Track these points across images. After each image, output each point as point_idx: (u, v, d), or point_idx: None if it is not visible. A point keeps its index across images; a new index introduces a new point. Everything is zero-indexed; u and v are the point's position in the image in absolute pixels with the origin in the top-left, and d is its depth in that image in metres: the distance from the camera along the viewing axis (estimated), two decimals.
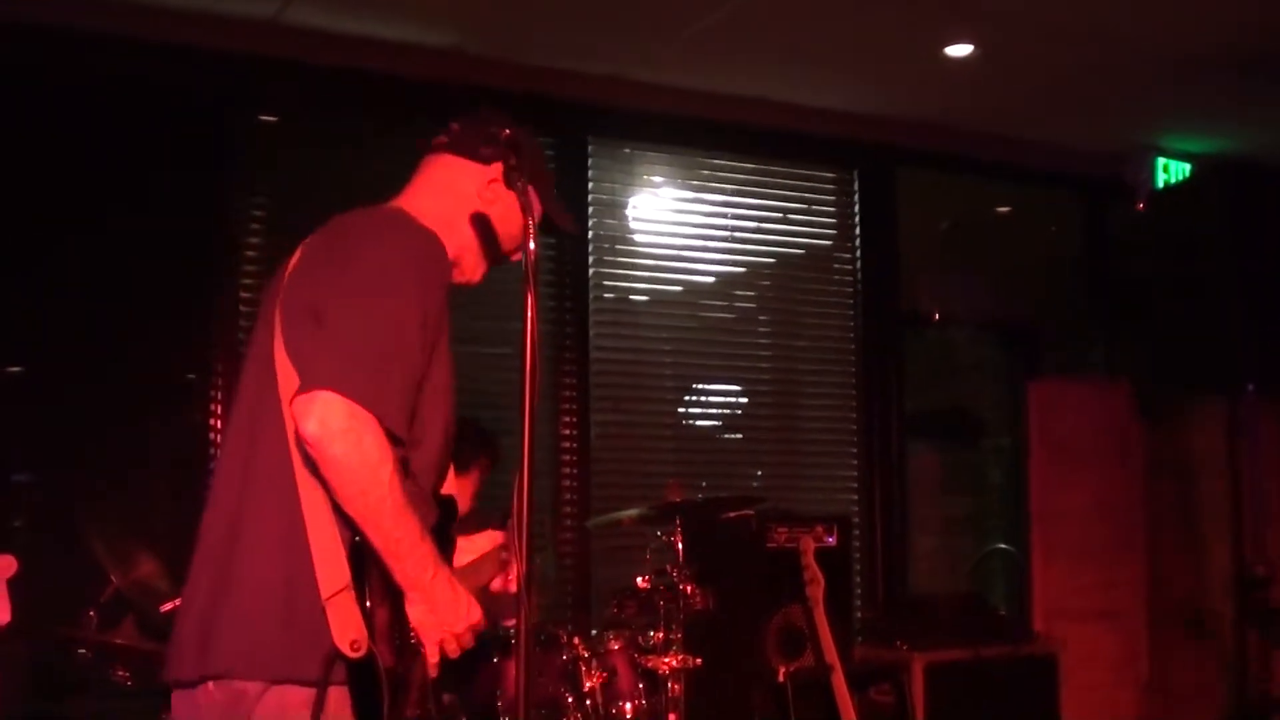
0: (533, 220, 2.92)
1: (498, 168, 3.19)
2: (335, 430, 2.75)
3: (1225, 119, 7.85)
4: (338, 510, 2.84)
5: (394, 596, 2.91)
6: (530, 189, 3.06)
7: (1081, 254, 8.76)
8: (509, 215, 3.26)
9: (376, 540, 2.82)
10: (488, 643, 4.80)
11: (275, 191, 6.52)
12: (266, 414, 2.96)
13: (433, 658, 2.98)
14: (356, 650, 2.78)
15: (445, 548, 3.10)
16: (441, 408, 3.09)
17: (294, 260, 3.13)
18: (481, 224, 3.27)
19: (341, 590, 2.81)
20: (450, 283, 3.14)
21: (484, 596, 3.20)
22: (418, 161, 3.33)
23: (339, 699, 2.83)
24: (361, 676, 2.82)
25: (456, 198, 3.25)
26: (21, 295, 5.90)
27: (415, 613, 2.93)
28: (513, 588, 3.33)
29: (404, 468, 2.90)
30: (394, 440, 2.84)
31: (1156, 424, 8.07)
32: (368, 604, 2.83)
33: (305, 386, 2.78)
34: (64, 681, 5.60)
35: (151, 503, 6.04)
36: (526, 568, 2.84)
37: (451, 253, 3.17)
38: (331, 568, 2.83)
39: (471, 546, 3.45)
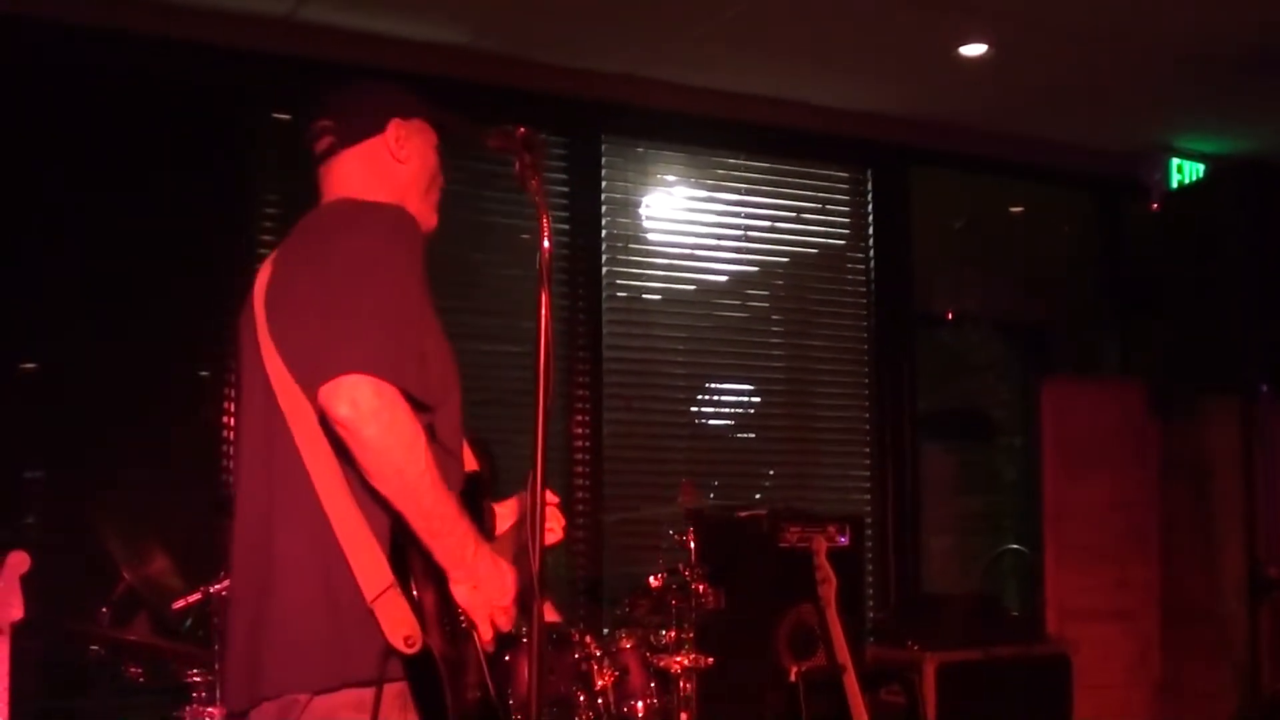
0: (546, 216, 2.93)
1: (395, 126, 3.25)
2: (366, 411, 2.75)
3: (1240, 119, 7.83)
4: (368, 507, 2.85)
5: (438, 580, 2.90)
6: (424, 124, 3.29)
7: (1095, 253, 8.75)
8: (421, 152, 3.31)
9: (415, 519, 2.82)
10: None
11: (288, 189, 6.52)
12: (276, 436, 2.96)
13: (486, 635, 2.97)
14: (411, 645, 2.78)
15: (481, 522, 3.10)
16: (449, 368, 3.10)
17: (262, 283, 3.13)
18: (411, 177, 3.28)
19: (387, 589, 2.81)
20: (423, 237, 3.14)
21: (525, 559, 3.19)
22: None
23: (396, 696, 2.83)
24: (419, 669, 2.82)
25: (381, 176, 3.25)
26: (34, 292, 5.91)
27: (461, 592, 2.92)
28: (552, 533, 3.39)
29: (431, 434, 2.91)
30: (418, 407, 2.85)
31: (1170, 423, 8.06)
32: (415, 594, 2.83)
33: (328, 375, 2.78)
34: (76, 677, 5.62)
35: (164, 499, 6.05)
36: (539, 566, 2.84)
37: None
38: (371, 569, 2.83)
39: (508, 511, 3.48)
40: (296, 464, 2.91)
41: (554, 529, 3.62)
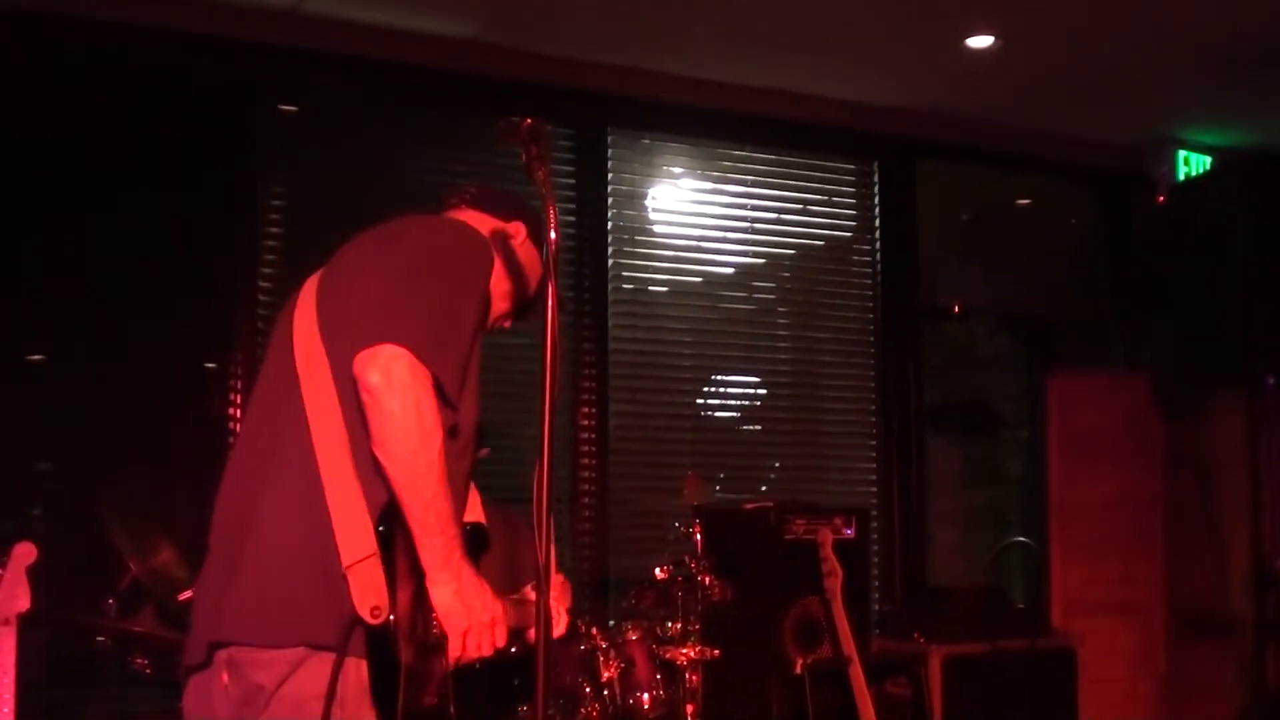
0: (553, 207, 2.93)
1: (519, 227, 3.34)
2: (398, 384, 2.76)
3: (1246, 111, 7.82)
4: (369, 482, 2.85)
5: (417, 583, 2.89)
6: (538, 257, 3.36)
7: (1101, 246, 8.74)
8: (526, 262, 3.38)
9: (411, 505, 2.82)
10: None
11: (295, 181, 6.53)
12: (284, 402, 2.96)
13: (454, 652, 2.95)
14: (376, 616, 2.76)
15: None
16: (473, 401, 3.11)
17: (317, 278, 3.14)
18: (512, 267, 3.34)
19: (367, 558, 2.80)
20: (489, 290, 3.17)
21: (515, 610, 3.19)
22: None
23: (357, 671, 2.82)
24: (380, 653, 2.80)
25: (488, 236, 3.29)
26: (40, 285, 5.91)
27: (441, 595, 2.91)
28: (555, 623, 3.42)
29: (452, 433, 2.91)
30: (446, 402, 2.86)
31: (1176, 417, 8.05)
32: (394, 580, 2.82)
33: (371, 340, 2.79)
34: (83, 669, 5.63)
35: (170, 491, 6.05)
36: (546, 559, 2.83)
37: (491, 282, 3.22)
38: (355, 535, 2.82)
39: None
40: (301, 425, 2.91)
41: (556, 617, 3.58)
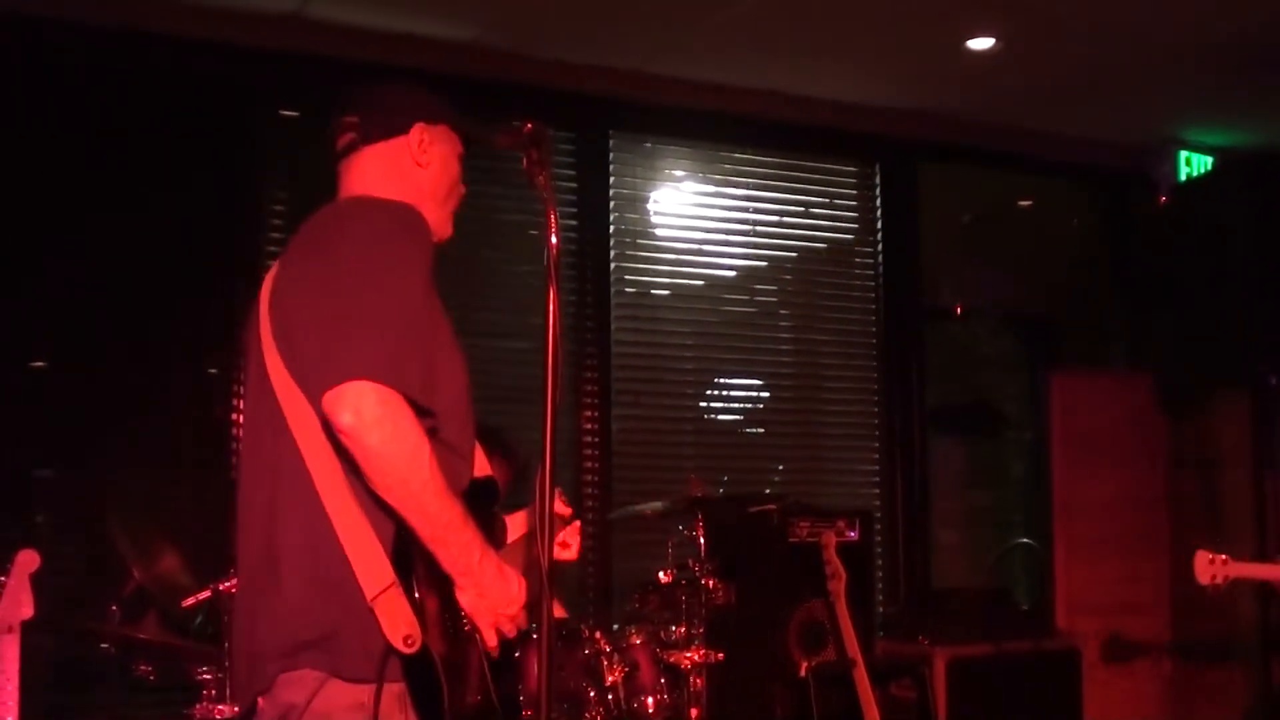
0: (554, 211, 2.92)
1: (419, 129, 3.23)
2: (369, 420, 2.73)
3: (1247, 112, 7.82)
4: (371, 509, 2.84)
5: (442, 584, 2.90)
6: (449, 131, 3.29)
7: (1103, 247, 8.73)
8: (444, 159, 3.30)
9: (421, 527, 2.82)
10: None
11: (296, 186, 6.53)
12: (279, 436, 2.94)
13: (490, 641, 2.98)
14: (410, 645, 2.77)
15: (490, 529, 3.09)
16: (457, 369, 3.08)
17: (268, 284, 3.11)
18: (430, 182, 3.27)
19: (388, 588, 2.80)
20: (434, 243, 3.12)
21: (534, 572, 3.19)
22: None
23: (396, 697, 2.83)
24: (418, 671, 2.81)
25: (400, 177, 3.22)
26: (42, 290, 5.91)
27: (465, 599, 2.92)
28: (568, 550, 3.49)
29: (434, 435, 2.89)
30: (421, 412, 2.83)
31: (1179, 417, 8.05)
32: (416, 596, 2.82)
33: (331, 382, 2.76)
34: (86, 675, 5.63)
35: (174, 497, 6.06)
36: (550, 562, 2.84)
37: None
38: (372, 568, 2.82)
39: (518, 522, 3.48)
40: (299, 464, 2.90)
41: (570, 544, 3.63)
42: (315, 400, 2.82)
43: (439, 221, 3.25)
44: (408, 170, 3.23)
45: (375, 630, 2.79)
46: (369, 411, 2.74)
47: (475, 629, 2.96)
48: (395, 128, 3.24)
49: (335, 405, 2.75)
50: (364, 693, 2.81)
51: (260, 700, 2.91)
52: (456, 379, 3.07)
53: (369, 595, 2.79)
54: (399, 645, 2.77)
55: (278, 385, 2.95)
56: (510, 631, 3.01)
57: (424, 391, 2.85)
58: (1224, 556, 4.96)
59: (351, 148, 3.25)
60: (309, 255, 3.04)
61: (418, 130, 3.24)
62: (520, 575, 3.02)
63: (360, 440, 2.75)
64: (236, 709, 3.07)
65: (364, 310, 2.84)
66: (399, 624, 2.78)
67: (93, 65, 6.10)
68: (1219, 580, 4.95)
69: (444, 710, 2.81)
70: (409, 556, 2.85)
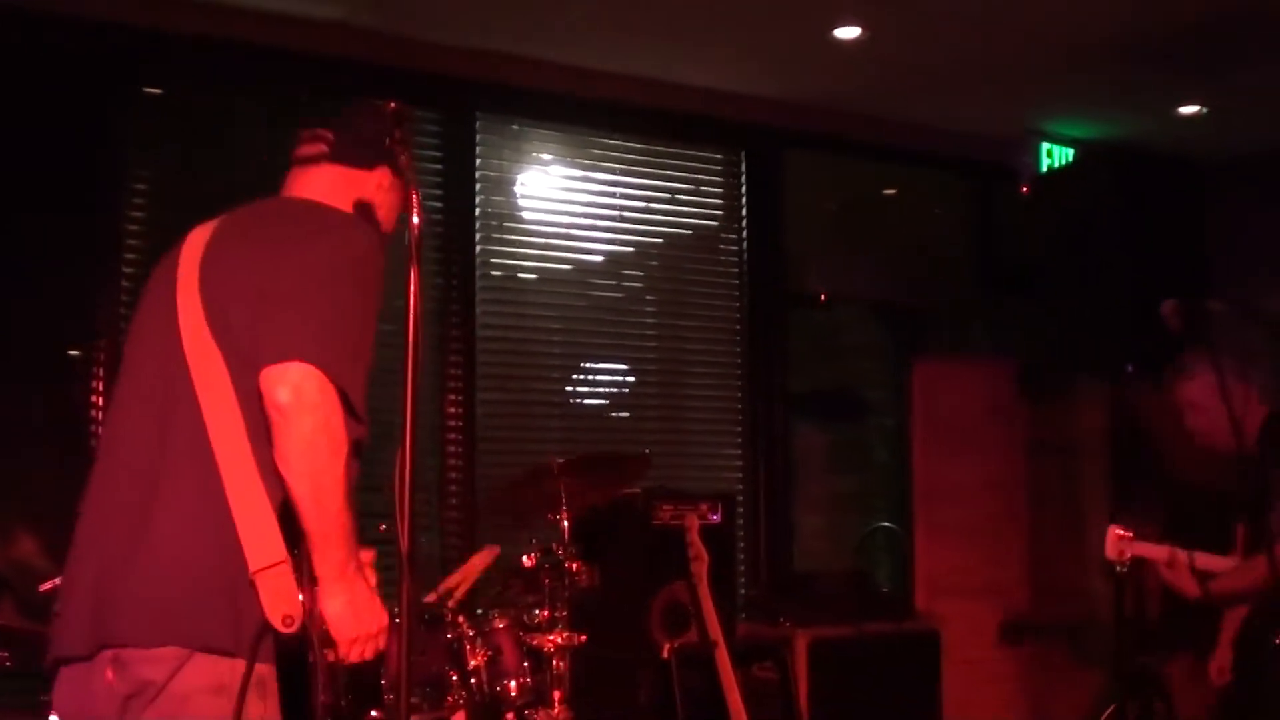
0: (415, 191, 2.93)
1: (384, 173, 3.31)
2: (309, 403, 2.77)
3: (1108, 104, 7.95)
4: (273, 486, 2.83)
5: (313, 586, 2.90)
6: (403, 187, 3.28)
7: (968, 236, 8.85)
8: (390, 209, 3.38)
9: (314, 522, 2.82)
10: None
11: (158, 165, 6.43)
12: (178, 401, 2.92)
13: (343, 655, 2.97)
14: (288, 625, 2.77)
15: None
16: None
17: (203, 242, 3.11)
18: (372, 215, 3.33)
19: (277, 564, 2.79)
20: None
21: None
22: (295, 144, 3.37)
23: (256, 683, 2.81)
24: (289, 655, 2.80)
25: (351, 200, 3.29)
26: None
27: (333, 606, 2.91)
28: None
29: (357, 450, 2.93)
30: (355, 418, 2.87)
31: (1039, 403, 8.17)
32: (305, 581, 2.83)
33: (278, 357, 2.79)
34: None
35: (31, 481, 5.96)
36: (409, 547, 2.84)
37: None
38: (262, 542, 2.81)
39: None
40: (197, 428, 2.88)
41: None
42: (243, 367, 2.84)
43: None
44: (363, 199, 3.31)
45: (253, 604, 2.77)
46: (309, 395, 2.77)
47: (331, 641, 2.95)
48: (364, 160, 3.30)
49: (276, 380, 2.78)
50: (226, 673, 2.79)
51: (109, 671, 2.86)
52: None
53: (253, 568, 2.78)
54: (277, 624, 2.77)
55: (190, 344, 2.94)
56: (367, 654, 3.01)
57: (361, 403, 2.90)
58: (1130, 534, 5.13)
59: (317, 158, 3.31)
60: (281, 238, 3.07)
61: (382, 174, 3.32)
62: (380, 602, 3.03)
63: (291, 420, 2.77)
64: (60, 655, 2.98)
65: (330, 305, 2.90)
66: (280, 602, 2.77)
67: None
68: (1125, 556, 5.13)
69: (307, 697, 2.81)
70: (298, 545, 2.84)
